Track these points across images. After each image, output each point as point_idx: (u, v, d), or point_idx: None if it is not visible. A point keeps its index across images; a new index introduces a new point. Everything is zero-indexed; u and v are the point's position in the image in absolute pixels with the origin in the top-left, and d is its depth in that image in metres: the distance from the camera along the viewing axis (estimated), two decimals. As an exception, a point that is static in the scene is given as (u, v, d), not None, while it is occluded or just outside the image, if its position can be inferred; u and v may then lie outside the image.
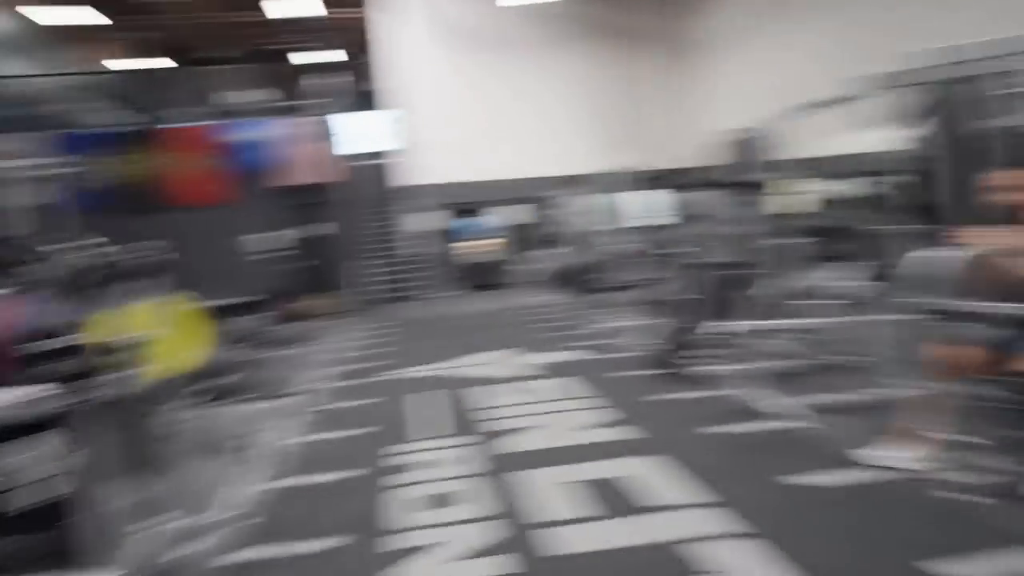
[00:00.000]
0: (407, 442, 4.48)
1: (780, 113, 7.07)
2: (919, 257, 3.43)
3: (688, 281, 6.00)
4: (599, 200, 9.56)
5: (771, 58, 12.15)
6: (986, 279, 3.50)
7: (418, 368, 6.73)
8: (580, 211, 9.83)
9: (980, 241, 3.54)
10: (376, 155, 13.55)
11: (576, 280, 8.76)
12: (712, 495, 3.27)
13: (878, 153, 8.46)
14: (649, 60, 15.27)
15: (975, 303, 3.20)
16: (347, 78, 13.99)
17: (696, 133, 12.31)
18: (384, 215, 13.66)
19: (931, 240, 4.18)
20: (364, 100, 14.59)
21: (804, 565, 2.61)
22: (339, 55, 17.67)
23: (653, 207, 9.34)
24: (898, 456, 3.37)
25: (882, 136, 5.64)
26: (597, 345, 7.22)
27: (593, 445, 4.15)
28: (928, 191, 5.13)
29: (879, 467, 3.42)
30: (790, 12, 11.78)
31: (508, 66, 14.63)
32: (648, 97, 15.16)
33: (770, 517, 3.00)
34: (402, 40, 14.17)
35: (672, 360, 5.64)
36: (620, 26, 15.09)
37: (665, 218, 6.70)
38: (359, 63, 16.16)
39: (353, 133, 12.45)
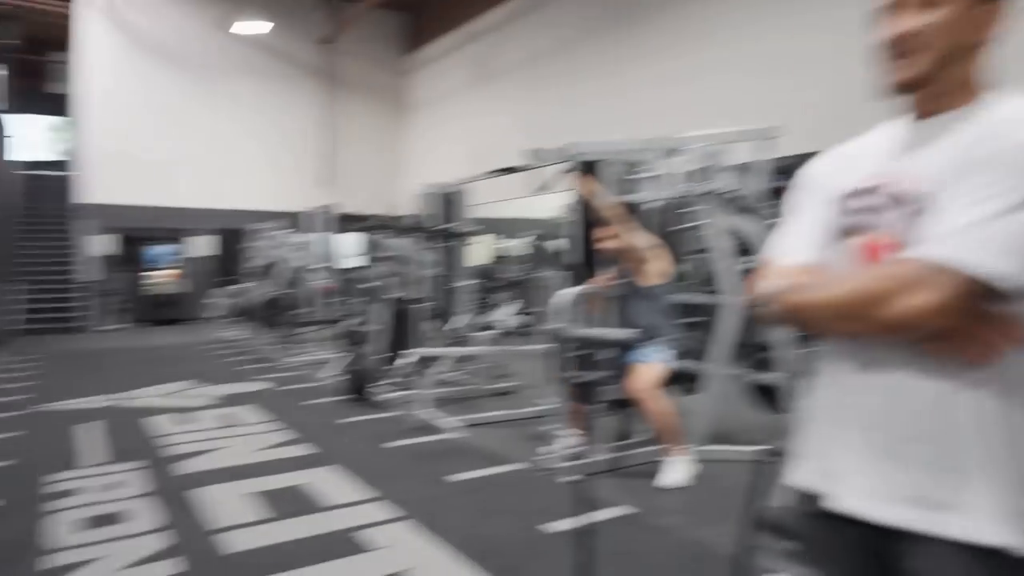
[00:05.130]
0: (74, 469, 4.27)
1: (475, 173, 8.10)
2: (560, 296, 4.37)
3: (377, 316, 6.56)
4: (302, 237, 9.77)
5: (475, 123, 13.55)
6: (591, 310, 4.59)
7: (87, 399, 6.27)
8: (282, 246, 9.93)
9: (594, 282, 4.62)
10: (59, 166, 12.17)
11: (271, 314, 8.82)
12: (376, 492, 3.76)
13: (545, 217, 9.92)
14: (371, 111, 15.99)
15: (588, 329, 4.19)
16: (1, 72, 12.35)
17: (406, 183, 13.21)
18: (60, 234, 12.27)
19: (575, 283, 5.26)
20: (48, 103, 13.06)
21: (443, 534, 3.20)
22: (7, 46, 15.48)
23: (353, 248, 9.84)
24: (554, 452, 4.17)
25: (550, 202, 6.82)
26: (287, 376, 7.41)
27: (272, 462, 4.38)
28: (580, 246, 6.32)
29: (529, 462, 4.21)
30: (493, 85, 13.22)
31: (224, 95, 14.23)
32: (367, 145, 15.82)
33: (423, 505, 3.57)
34: (105, 46, 13.01)
35: (358, 387, 6.10)
36: (349, 76, 15.57)
37: (363, 258, 7.21)
38: (52, 61, 14.40)
39: (25, 137, 11.04)
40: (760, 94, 7.98)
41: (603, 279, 4.42)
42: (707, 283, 4.60)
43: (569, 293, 4.29)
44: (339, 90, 15.46)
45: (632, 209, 5.29)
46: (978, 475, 1.03)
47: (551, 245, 8.74)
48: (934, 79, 1.11)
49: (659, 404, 3.87)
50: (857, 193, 1.18)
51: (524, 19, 12.40)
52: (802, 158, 1.35)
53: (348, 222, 7.30)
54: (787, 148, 4.37)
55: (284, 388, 6.84)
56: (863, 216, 1.16)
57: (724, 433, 4.48)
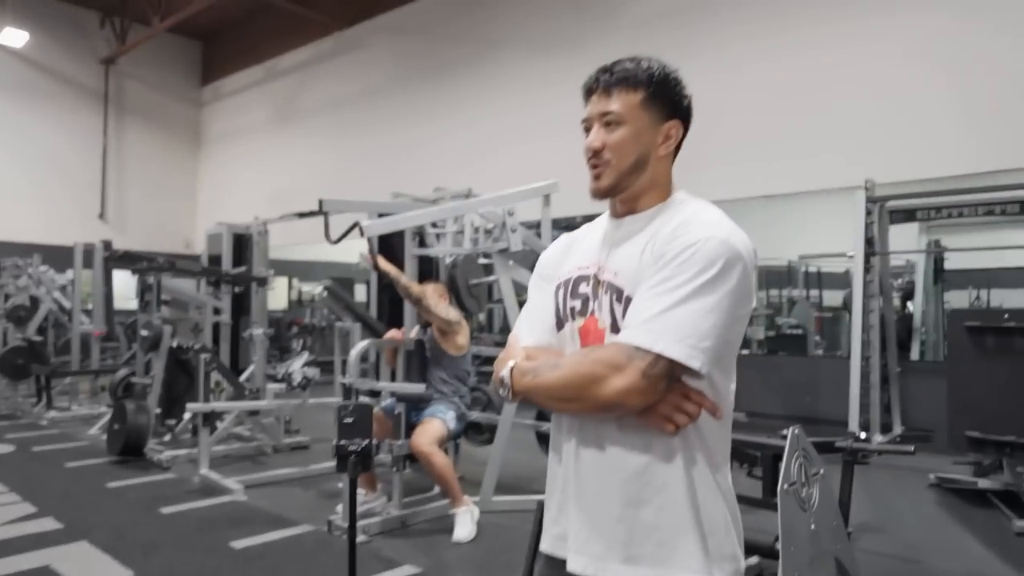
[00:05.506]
0: None
1: (274, 214, 7.75)
2: (359, 347, 4.28)
3: (155, 365, 6.00)
4: (73, 275, 8.72)
5: (277, 163, 13.00)
6: (386, 361, 4.57)
7: None
8: (40, 284, 8.78)
9: (391, 335, 4.60)
10: None
11: (22, 363, 7.72)
12: (128, 571, 3.40)
13: (349, 262, 9.71)
14: (163, 142, 14.83)
15: (378, 383, 4.14)
16: None
17: (202, 221, 12.33)
18: None
19: (372, 335, 5.19)
20: None
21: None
22: None
23: (134, 289, 8.95)
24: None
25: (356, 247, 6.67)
26: (43, 436, 6.53)
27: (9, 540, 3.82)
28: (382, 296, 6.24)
29: (320, 523, 4.02)
30: (296, 125, 12.82)
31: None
32: (157, 178, 14.61)
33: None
34: None
35: (132, 446, 5.51)
36: (137, 102, 14.35)
37: (143, 301, 6.57)
38: None
39: None
40: (552, 154, 8.52)
41: (400, 333, 4.42)
42: (503, 334, 4.77)
43: (363, 345, 4.23)
44: (126, 117, 14.22)
45: (429, 262, 5.39)
46: (681, 534, 1.20)
47: (348, 293, 8.59)
48: (622, 188, 1.29)
49: (438, 460, 3.89)
50: (578, 279, 1.33)
51: (330, 62, 12.28)
52: (588, 217, 1.47)
53: (127, 261, 6.64)
54: (578, 207, 4.68)
55: (38, 449, 6.01)
56: (582, 300, 1.31)
57: (517, 482, 4.62)
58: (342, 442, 1.66)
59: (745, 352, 8.95)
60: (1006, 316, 1.98)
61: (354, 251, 6.11)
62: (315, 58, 12.55)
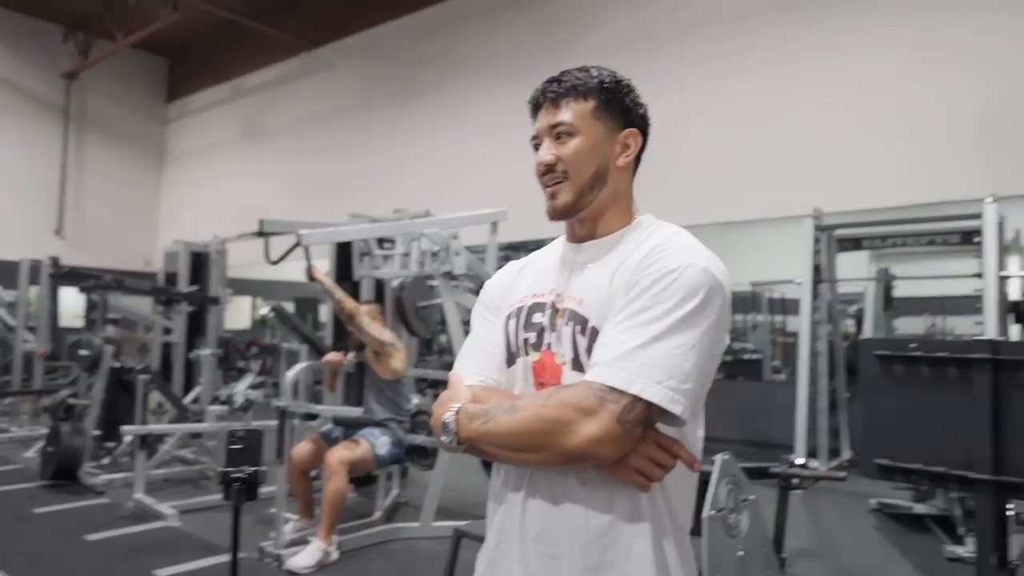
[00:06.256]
0: None
1: (235, 234, 7.65)
2: (295, 369, 4.20)
3: (96, 386, 5.85)
4: (17, 293, 8.50)
5: (242, 182, 12.86)
6: (327, 386, 4.51)
7: None
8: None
9: (330, 358, 4.54)
10: None
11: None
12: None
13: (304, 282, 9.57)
14: (126, 158, 14.60)
15: (314, 406, 4.08)
16: None
17: (165, 239, 12.12)
18: None
19: (315, 357, 5.12)
20: None
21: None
22: None
23: (80, 306, 8.76)
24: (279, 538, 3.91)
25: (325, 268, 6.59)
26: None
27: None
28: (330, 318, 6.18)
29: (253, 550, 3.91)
30: (262, 144, 12.72)
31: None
32: (118, 195, 14.36)
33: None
34: None
35: (66, 469, 5.34)
36: (100, 118, 14.13)
37: (88, 319, 6.42)
38: None
39: None
40: (514, 179, 8.55)
41: (339, 356, 4.37)
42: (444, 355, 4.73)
43: (300, 368, 4.17)
44: (87, 132, 13.99)
45: (379, 286, 5.35)
46: None
47: (294, 313, 8.49)
48: (582, 205, 1.15)
49: (335, 483, 3.74)
50: (532, 307, 1.18)
51: (296, 83, 12.24)
52: (539, 243, 1.37)
53: (74, 278, 6.49)
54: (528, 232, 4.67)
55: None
56: (537, 331, 1.16)
57: (461, 508, 4.56)
58: (228, 469, 1.60)
59: (703, 377, 8.97)
60: (913, 345, 2.00)
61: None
62: (282, 78, 12.51)
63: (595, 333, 1.09)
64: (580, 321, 1.10)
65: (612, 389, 1.00)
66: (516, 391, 1.18)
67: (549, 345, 1.13)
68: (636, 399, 0.99)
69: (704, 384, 1.06)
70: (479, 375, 1.19)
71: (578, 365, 1.09)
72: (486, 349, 1.22)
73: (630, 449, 1.01)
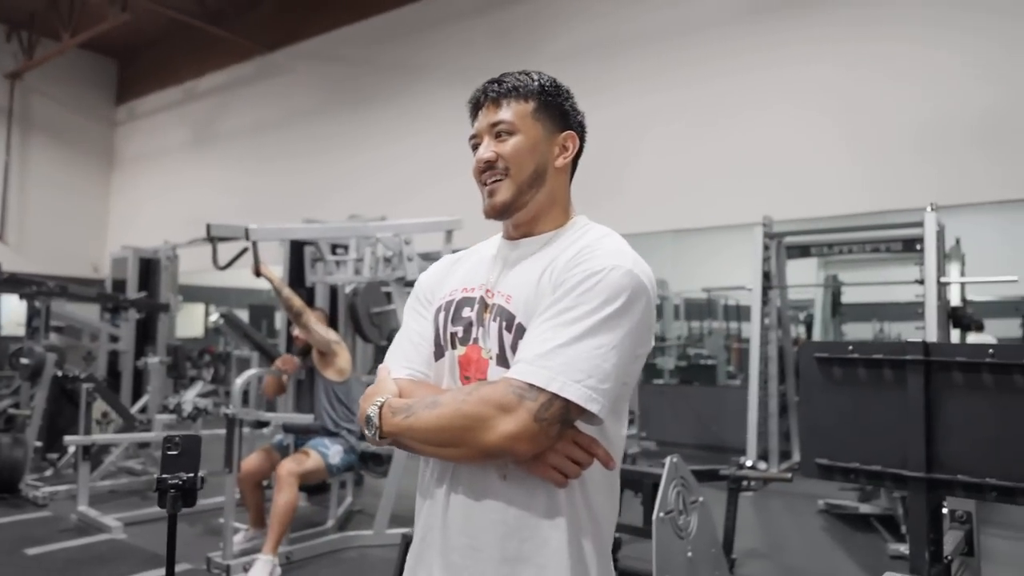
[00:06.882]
0: None
1: (185, 239, 7.49)
2: (244, 376, 4.12)
3: (38, 395, 5.66)
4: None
5: (195, 187, 12.59)
6: (275, 392, 4.44)
7: None
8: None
9: (279, 364, 4.45)
10: None
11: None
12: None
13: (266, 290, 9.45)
14: (72, 161, 14.20)
15: (264, 413, 4.01)
16: None
17: (113, 244, 11.81)
18: None
19: (265, 363, 5.03)
20: None
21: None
22: None
23: (22, 314, 8.47)
24: (228, 549, 3.81)
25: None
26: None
27: None
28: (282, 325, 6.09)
29: (201, 561, 3.82)
30: (215, 149, 12.50)
31: None
32: (63, 198, 13.95)
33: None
34: None
35: (6, 481, 5.15)
36: (44, 119, 13.73)
37: (30, 327, 6.22)
38: None
39: None
40: (472, 186, 8.55)
41: (288, 362, 4.30)
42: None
43: (249, 375, 4.10)
44: (32, 134, 13.56)
45: (332, 292, 5.29)
46: None
47: (248, 320, 8.36)
48: (520, 204, 1.17)
49: (285, 496, 3.67)
50: (461, 301, 1.19)
51: (250, 87, 12.06)
52: None
53: (14, 284, 6.29)
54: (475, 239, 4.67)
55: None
56: (464, 326, 1.17)
57: (412, 515, 4.52)
58: (163, 476, 1.56)
59: (659, 381, 9.11)
60: (850, 348, 2.05)
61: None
62: (235, 82, 12.32)
63: (521, 330, 1.10)
64: (507, 317, 1.12)
65: (531, 386, 1.01)
66: (444, 385, 1.19)
67: (476, 340, 1.15)
68: (554, 397, 1.00)
69: (625, 384, 1.08)
70: (407, 368, 1.20)
71: (503, 360, 1.11)
72: (415, 342, 1.23)
73: (547, 446, 1.03)
